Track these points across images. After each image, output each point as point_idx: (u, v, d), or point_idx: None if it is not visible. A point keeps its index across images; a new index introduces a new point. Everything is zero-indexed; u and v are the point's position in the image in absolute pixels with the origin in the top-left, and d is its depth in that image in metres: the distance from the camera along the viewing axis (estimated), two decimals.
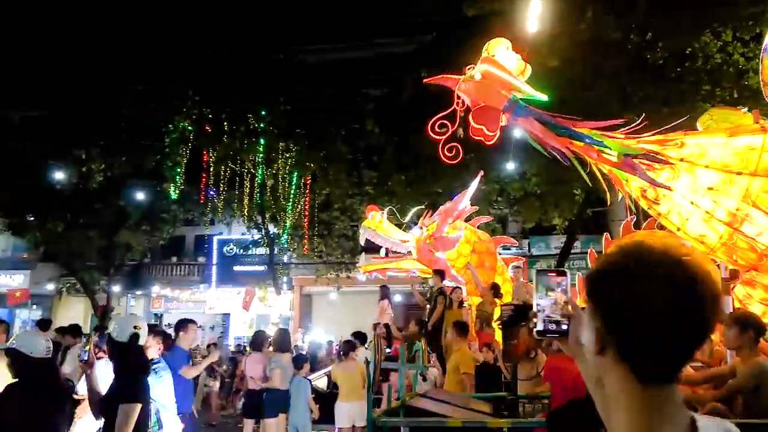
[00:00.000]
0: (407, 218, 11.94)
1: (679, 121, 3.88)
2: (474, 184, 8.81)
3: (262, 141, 20.65)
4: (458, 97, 3.83)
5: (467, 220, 9.16)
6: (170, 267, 21.17)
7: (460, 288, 8.45)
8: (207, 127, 20.72)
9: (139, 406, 2.76)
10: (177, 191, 20.51)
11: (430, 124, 3.85)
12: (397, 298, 18.45)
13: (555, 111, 3.88)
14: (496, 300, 7.61)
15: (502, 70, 3.77)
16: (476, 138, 3.84)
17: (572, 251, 13.13)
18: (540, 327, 1.03)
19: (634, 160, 3.57)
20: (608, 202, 4.05)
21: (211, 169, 20.54)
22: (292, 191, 20.70)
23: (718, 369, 3.50)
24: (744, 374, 3.00)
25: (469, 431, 3.25)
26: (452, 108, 3.84)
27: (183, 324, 5.46)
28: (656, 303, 0.79)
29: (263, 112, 20.21)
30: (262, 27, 18.56)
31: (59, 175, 18.67)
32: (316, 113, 17.67)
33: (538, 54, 10.01)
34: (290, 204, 20.79)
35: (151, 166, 20.19)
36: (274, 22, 18.50)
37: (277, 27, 18.33)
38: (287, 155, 20.61)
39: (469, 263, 8.79)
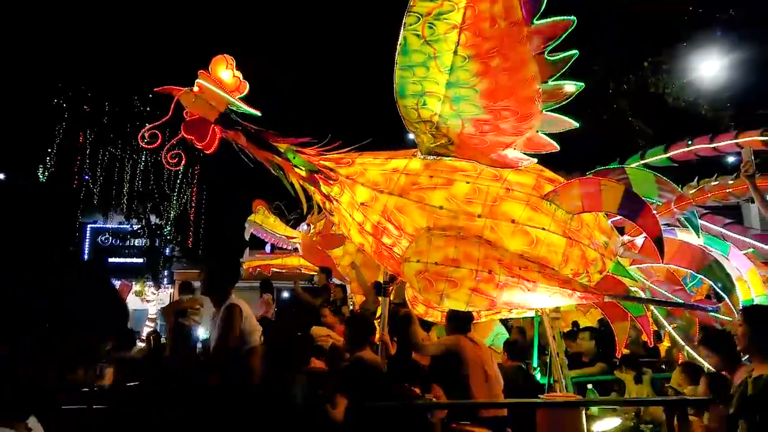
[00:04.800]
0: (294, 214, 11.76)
1: None
2: None
3: (147, 125, 19.49)
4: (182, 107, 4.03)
5: None
6: None
7: (344, 286, 8.44)
8: (85, 107, 19.25)
9: None
10: (46, 174, 18.85)
11: (140, 134, 4.01)
12: (285, 295, 18.12)
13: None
14: (380, 299, 7.68)
15: (215, 85, 3.99)
16: (199, 146, 4.06)
17: None
18: None
19: (315, 175, 3.94)
20: (304, 210, 4.38)
21: (88, 152, 19.08)
22: (179, 180, 19.74)
23: None
24: None
25: None
26: (167, 117, 4.00)
27: None
28: None
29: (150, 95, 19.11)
30: None
31: None
32: None
33: None
34: (175, 194, 19.81)
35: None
36: None
37: None
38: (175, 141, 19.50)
39: (354, 262, 8.80)
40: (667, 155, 4.01)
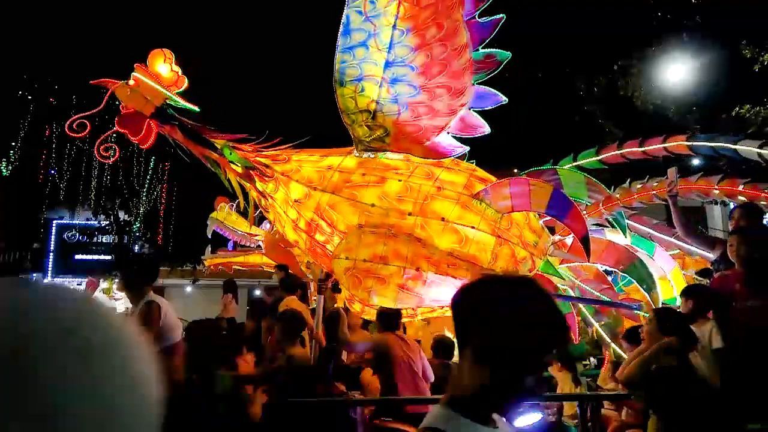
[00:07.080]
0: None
1: None
2: None
3: (116, 118, 19.15)
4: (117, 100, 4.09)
5: None
6: None
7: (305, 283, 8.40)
8: (52, 99, 18.85)
9: None
10: (10, 168, 18.39)
11: (68, 123, 4.04)
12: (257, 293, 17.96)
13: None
14: (335, 295, 7.68)
15: (152, 80, 4.00)
16: (133, 140, 4.08)
17: None
18: None
19: (250, 171, 3.95)
20: (241, 207, 4.37)
21: (54, 146, 18.68)
22: (149, 176, 19.45)
23: None
24: None
25: None
26: (98, 109, 4.10)
27: None
28: None
29: None
30: None
31: None
32: None
33: None
34: (145, 190, 19.49)
35: None
36: None
37: None
38: None
39: (308, 261, 8.75)
40: (599, 158, 4.11)
